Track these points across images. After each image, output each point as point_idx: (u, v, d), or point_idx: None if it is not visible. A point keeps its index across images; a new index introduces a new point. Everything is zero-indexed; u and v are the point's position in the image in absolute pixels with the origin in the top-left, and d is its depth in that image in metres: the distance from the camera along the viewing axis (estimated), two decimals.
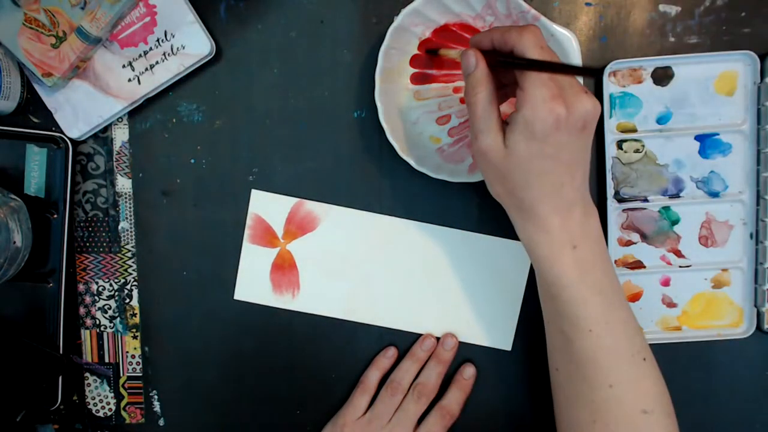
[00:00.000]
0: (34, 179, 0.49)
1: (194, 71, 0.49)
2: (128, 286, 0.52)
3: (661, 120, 0.49)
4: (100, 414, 0.53)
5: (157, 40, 0.47)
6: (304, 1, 0.49)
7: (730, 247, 0.50)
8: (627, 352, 0.39)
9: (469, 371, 0.51)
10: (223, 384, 0.53)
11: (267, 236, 0.51)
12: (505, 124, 0.37)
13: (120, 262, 0.52)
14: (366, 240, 0.51)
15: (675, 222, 0.50)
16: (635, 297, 0.51)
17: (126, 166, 0.51)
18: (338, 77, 0.50)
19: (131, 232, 0.51)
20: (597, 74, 0.40)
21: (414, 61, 0.48)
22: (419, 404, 0.49)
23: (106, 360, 0.53)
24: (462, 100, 0.49)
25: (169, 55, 0.47)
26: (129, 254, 0.52)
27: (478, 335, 0.51)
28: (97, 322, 0.52)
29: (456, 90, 0.49)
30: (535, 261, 0.39)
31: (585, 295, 0.37)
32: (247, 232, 0.51)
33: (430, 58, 0.48)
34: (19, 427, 0.50)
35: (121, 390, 0.53)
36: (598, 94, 0.49)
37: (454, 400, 0.50)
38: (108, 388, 0.53)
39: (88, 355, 0.53)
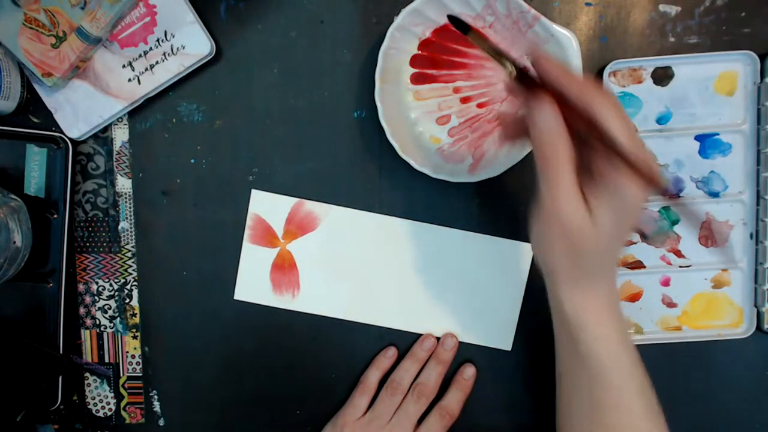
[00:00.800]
0: (34, 179, 0.49)
1: (194, 71, 0.49)
2: (128, 286, 0.52)
3: (661, 120, 0.49)
4: (100, 414, 0.53)
5: (157, 40, 0.47)
6: (304, 1, 0.49)
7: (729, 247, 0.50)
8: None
9: (469, 371, 0.51)
10: (223, 384, 0.53)
11: (267, 236, 0.51)
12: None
13: (120, 262, 0.52)
14: (366, 240, 0.51)
15: (675, 222, 0.50)
16: (635, 297, 0.51)
17: (126, 166, 0.51)
18: (338, 77, 0.50)
19: (131, 232, 0.51)
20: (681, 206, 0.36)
21: (414, 61, 0.48)
22: (419, 404, 0.49)
23: (106, 360, 0.53)
24: (462, 100, 0.49)
25: (169, 55, 0.47)
26: (129, 254, 0.52)
27: (478, 335, 0.51)
28: (97, 322, 0.52)
29: (456, 90, 0.49)
30: (571, 324, 0.36)
31: (623, 360, 0.36)
32: (247, 232, 0.51)
33: (431, 58, 0.48)
34: (19, 427, 0.50)
35: (121, 390, 0.53)
36: None
37: (454, 400, 0.50)
38: (108, 388, 0.53)
39: (88, 355, 0.53)
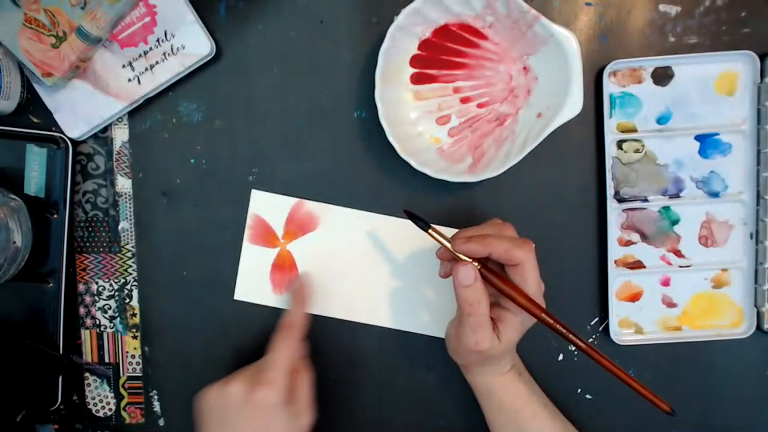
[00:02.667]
0: (34, 179, 0.49)
1: (194, 71, 0.49)
2: (128, 286, 0.52)
3: (661, 120, 0.49)
4: (100, 414, 0.53)
5: (157, 40, 0.47)
6: (304, 1, 0.49)
7: (730, 247, 0.50)
8: None
9: (297, 282, 0.49)
10: None
11: (267, 236, 0.51)
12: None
13: (120, 262, 0.52)
14: (366, 240, 0.51)
15: (675, 222, 0.50)
16: (635, 297, 0.51)
17: (126, 166, 0.51)
18: (338, 77, 0.50)
19: (131, 232, 0.51)
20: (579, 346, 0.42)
21: (414, 61, 0.48)
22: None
23: (106, 360, 0.53)
24: (462, 100, 0.49)
25: (169, 55, 0.47)
26: (129, 254, 0.52)
27: None
28: (97, 322, 0.52)
29: (456, 90, 0.49)
30: (490, 395, 0.47)
31: (537, 411, 0.47)
32: (247, 232, 0.51)
33: (431, 58, 0.48)
34: (19, 427, 0.50)
35: (121, 390, 0.53)
36: (599, 93, 0.49)
37: (294, 312, 0.47)
38: (108, 388, 0.53)
39: (88, 355, 0.53)
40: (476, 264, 0.40)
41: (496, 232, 0.41)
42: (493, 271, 0.41)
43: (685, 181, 0.50)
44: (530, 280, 0.40)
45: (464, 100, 0.49)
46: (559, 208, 0.51)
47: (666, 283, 0.51)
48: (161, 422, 0.53)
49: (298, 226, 0.51)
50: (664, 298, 0.51)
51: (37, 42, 0.45)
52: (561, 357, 0.52)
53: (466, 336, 0.41)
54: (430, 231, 0.41)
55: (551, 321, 0.40)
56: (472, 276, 0.40)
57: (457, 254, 0.41)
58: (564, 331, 0.40)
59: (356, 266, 0.51)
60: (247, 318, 0.52)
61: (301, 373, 0.45)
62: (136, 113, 0.50)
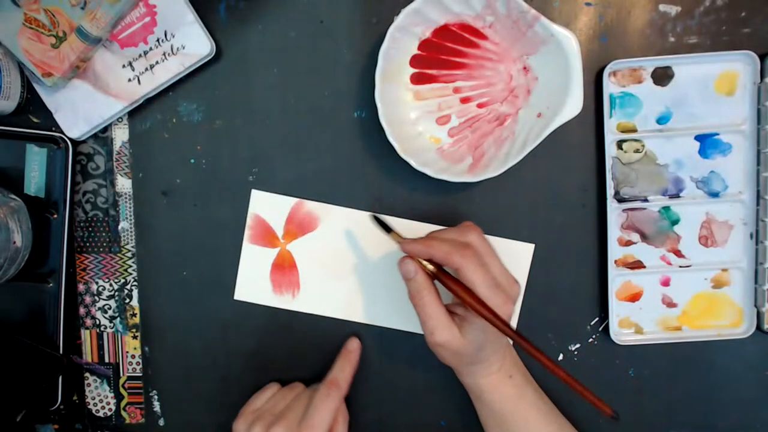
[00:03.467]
0: (34, 179, 0.49)
1: (194, 71, 0.49)
2: (128, 286, 0.52)
3: (661, 120, 0.49)
4: (100, 414, 0.53)
5: (157, 40, 0.47)
6: (304, 1, 0.49)
7: (730, 247, 0.50)
8: None
9: (353, 344, 0.51)
10: (223, 384, 0.53)
11: (267, 236, 0.51)
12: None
13: (120, 262, 0.52)
14: (366, 240, 0.51)
15: (675, 222, 0.50)
16: (635, 297, 0.51)
17: (126, 166, 0.51)
18: (338, 77, 0.50)
19: (131, 232, 0.51)
20: (527, 346, 0.42)
21: (414, 61, 0.48)
22: (313, 390, 0.49)
23: (106, 360, 0.53)
24: (462, 100, 0.49)
25: (169, 55, 0.47)
26: (129, 254, 0.52)
27: None
28: (97, 322, 0.52)
29: (456, 90, 0.49)
30: (480, 396, 0.47)
31: (526, 413, 0.47)
32: (247, 232, 0.51)
33: (431, 58, 0.48)
34: (19, 427, 0.50)
35: (121, 390, 0.53)
36: (599, 93, 0.49)
37: (339, 371, 0.49)
38: (108, 388, 0.53)
39: (88, 355, 0.53)
40: (431, 266, 0.43)
41: (454, 236, 0.43)
42: (445, 273, 0.43)
43: (685, 181, 0.50)
44: (476, 283, 0.41)
45: (464, 100, 0.49)
46: (559, 208, 0.51)
47: (666, 283, 0.51)
48: (161, 422, 0.53)
49: (298, 226, 0.51)
50: (664, 298, 0.51)
51: (37, 42, 0.45)
52: (561, 357, 0.52)
53: (423, 329, 0.43)
54: (391, 234, 0.45)
55: (498, 322, 0.41)
56: (412, 270, 0.43)
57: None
58: (511, 332, 0.41)
59: (356, 266, 0.51)
60: (247, 318, 0.52)
61: (338, 422, 0.48)
62: (136, 113, 0.50)
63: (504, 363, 0.47)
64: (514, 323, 0.51)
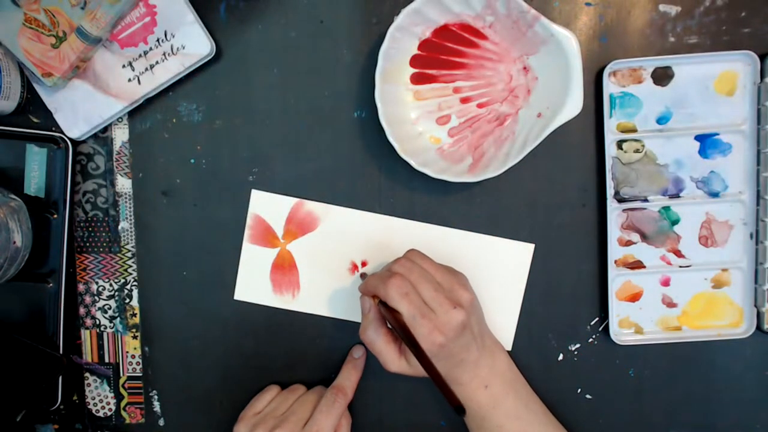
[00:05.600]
0: (34, 179, 0.49)
1: (194, 71, 0.49)
2: (128, 286, 0.52)
3: (661, 120, 0.49)
4: (100, 414, 0.53)
5: (157, 40, 0.47)
6: (304, 1, 0.49)
7: (730, 247, 0.50)
8: None
9: (358, 351, 0.52)
10: (223, 384, 0.53)
11: (267, 236, 0.51)
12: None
13: (120, 262, 0.52)
14: (366, 240, 0.51)
15: (675, 222, 0.50)
16: (635, 297, 0.51)
17: (126, 166, 0.51)
18: (338, 77, 0.50)
19: (131, 232, 0.51)
20: (457, 409, 0.41)
21: (414, 61, 0.48)
22: (317, 394, 0.50)
23: (106, 360, 0.53)
24: (462, 100, 0.49)
25: (169, 55, 0.47)
26: (129, 254, 0.52)
27: None
28: (97, 322, 0.52)
29: (456, 90, 0.49)
30: (465, 403, 0.47)
31: (502, 422, 0.47)
32: (247, 232, 0.51)
33: (431, 58, 0.48)
34: (19, 427, 0.50)
35: (121, 390, 0.53)
36: (599, 93, 0.49)
37: (346, 378, 0.50)
38: (108, 388, 0.53)
39: (88, 355, 0.53)
40: (376, 300, 0.45)
41: (389, 266, 0.45)
42: (386, 306, 0.44)
43: (685, 181, 0.50)
44: (402, 312, 0.42)
45: (464, 100, 0.49)
46: (559, 208, 0.51)
47: (666, 283, 0.51)
48: (161, 422, 0.53)
49: (298, 226, 0.51)
50: (664, 298, 0.51)
51: (37, 42, 0.45)
52: (561, 357, 0.52)
53: (382, 362, 0.46)
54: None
55: (417, 352, 0.41)
56: (366, 307, 0.46)
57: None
58: (426, 362, 0.41)
59: (356, 266, 0.51)
60: (247, 318, 0.52)
61: (342, 425, 0.49)
62: (136, 113, 0.50)
63: (477, 374, 0.46)
64: (512, 325, 0.51)
